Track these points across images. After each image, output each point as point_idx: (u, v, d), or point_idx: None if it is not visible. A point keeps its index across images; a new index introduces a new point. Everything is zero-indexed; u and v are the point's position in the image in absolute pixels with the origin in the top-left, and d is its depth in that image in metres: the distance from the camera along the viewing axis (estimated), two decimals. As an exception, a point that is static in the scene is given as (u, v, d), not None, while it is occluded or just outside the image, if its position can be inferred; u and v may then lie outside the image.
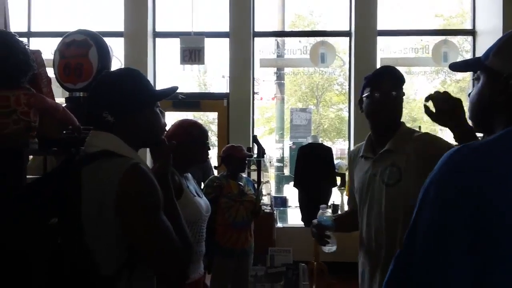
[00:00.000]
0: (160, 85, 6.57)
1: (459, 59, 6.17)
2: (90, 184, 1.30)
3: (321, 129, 10.44)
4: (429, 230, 0.98)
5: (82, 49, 3.34)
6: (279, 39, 7.27)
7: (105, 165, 1.33)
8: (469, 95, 1.23)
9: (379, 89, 2.02)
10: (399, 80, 2.05)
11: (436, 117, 1.68)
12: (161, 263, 1.33)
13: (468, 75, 6.88)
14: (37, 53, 2.34)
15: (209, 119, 7.41)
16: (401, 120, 2.10)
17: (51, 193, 1.32)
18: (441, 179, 1.00)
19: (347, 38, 6.39)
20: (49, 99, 2.28)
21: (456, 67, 1.29)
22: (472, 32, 6.44)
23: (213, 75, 6.71)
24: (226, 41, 6.38)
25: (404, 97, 2.08)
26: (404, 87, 2.08)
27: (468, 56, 6.47)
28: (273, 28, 6.82)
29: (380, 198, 2.00)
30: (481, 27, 6.35)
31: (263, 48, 6.76)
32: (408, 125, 2.16)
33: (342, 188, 6.10)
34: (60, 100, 4.12)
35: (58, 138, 2.42)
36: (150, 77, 6.46)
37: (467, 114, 1.38)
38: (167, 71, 6.74)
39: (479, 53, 6.07)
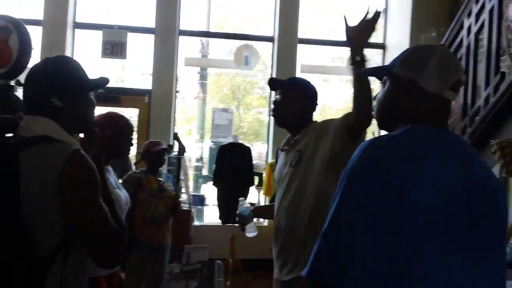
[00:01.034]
0: (79, 78, 6.39)
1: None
2: (30, 167, 1.33)
3: (240, 131, 10.62)
4: (352, 206, 1.16)
5: (2, 35, 3.22)
6: (204, 39, 7.35)
7: (47, 149, 1.37)
8: (374, 98, 1.42)
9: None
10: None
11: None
12: (98, 244, 1.39)
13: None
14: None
15: (128, 116, 7.30)
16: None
17: None
18: (361, 165, 1.18)
19: (271, 44, 6.60)
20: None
21: (367, 73, 1.49)
22: (382, 46, 6.91)
23: (133, 71, 6.62)
24: (149, 37, 6.35)
25: (317, 102, 2.40)
26: (321, 94, 2.42)
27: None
28: (198, 28, 6.86)
29: (287, 179, 2.30)
30: (391, 41, 6.84)
31: (187, 47, 6.81)
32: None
33: (260, 187, 6.28)
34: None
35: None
36: (69, 69, 6.25)
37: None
38: (86, 64, 6.55)
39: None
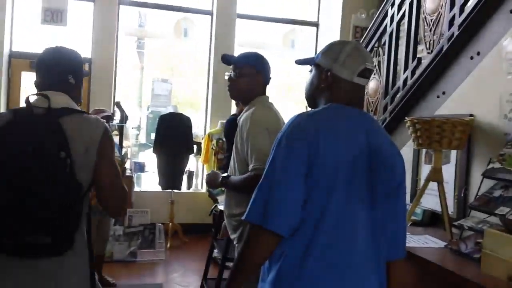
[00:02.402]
0: (17, 46, 6.35)
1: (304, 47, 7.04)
2: (74, 131, 1.70)
3: (176, 101, 10.75)
4: (281, 164, 1.49)
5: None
6: (142, 10, 7.41)
7: (85, 119, 1.78)
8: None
9: None
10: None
11: None
12: (114, 195, 1.81)
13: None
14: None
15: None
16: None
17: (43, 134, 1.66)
18: (290, 133, 1.52)
19: (209, 17, 6.83)
20: None
21: (300, 62, 1.86)
22: (316, 24, 7.37)
23: (73, 39, 6.60)
24: (89, 5, 6.37)
25: (269, 77, 2.65)
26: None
27: (311, 44, 7.39)
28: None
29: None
30: (324, 20, 7.31)
31: (127, 17, 6.88)
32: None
33: (198, 155, 6.58)
34: None
35: None
36: (7, 36, 6.18)
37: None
38: (26, 30, 6.48)
39: (320, 42, 6.99)
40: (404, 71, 3.93)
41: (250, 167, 2.34)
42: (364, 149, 1.53)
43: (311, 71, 1.73)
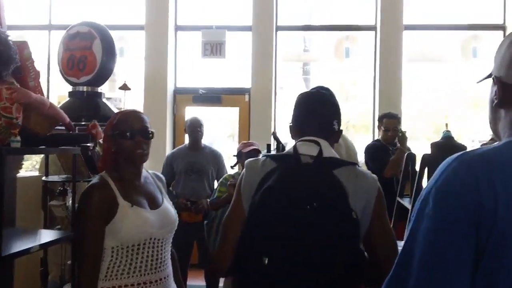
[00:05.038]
0: (181, 79, 6.52)
1: (489, 55, 5.83)
2: (350, 185, 1.52)
3: (350, 125, 10.19)
4: (429, 250, 0.93)
5: (86, 42, 3.25)
6: (305, 32, 7.06)
7: (358, 172, 1.60)
8: None
9: None
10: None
11: None
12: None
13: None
14: (23, 45, 2.23)
15: (229, 115, 7.28)
16: None
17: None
18: (441, 193, 0.95)
19: (373, 32, 6.13)
20: (34, 94, 2.17)
21: (481, 80, 1.22)
22: (502, 27, 6.07)
23: (232, 70, 6.56)
24: (247, 35, 6.23)
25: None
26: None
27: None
28: (297, 22, 6.59)
29: None
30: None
31: (287, 42, 6.58)
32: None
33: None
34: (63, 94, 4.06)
35: (46, 135, 2.31)
36: (171, 71, 6.37)
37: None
38: (189, 64, 6.63)
39: None
40: None
41: None
42: None
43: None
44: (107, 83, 6.49)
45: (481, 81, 1.20)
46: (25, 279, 2.95)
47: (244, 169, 1.69)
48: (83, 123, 2.63)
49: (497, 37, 6.13)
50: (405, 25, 5.96)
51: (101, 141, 2.41)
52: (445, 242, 0.91)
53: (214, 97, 6.32)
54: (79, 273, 1.82)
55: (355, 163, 1.63)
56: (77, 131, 2.75)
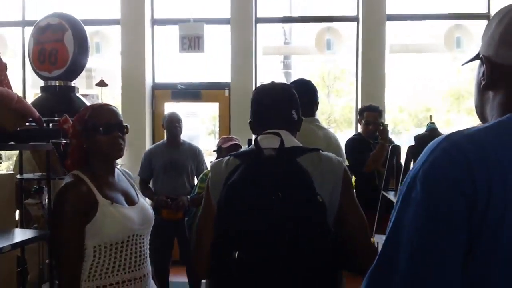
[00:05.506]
0: (159, 74, 6.37)
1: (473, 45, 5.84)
2: (315, 171, 1.55)
3: (332, 119, 10.14)
4: (417, 235, 0.85)
5: (57, 34, 3.09)
6: (286, 25, 6.96)
7: (322, 157, 1.63)
8: None
9: None
10: None
11: None
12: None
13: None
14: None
15: (209, 110, 7.17)
16: None
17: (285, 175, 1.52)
18: (429, 174, 0.87)
19: (355, 23, 6.05)
20: (0, 87, 2.04)
21: (466, 62, 1.16)
22: (487, 16, 6.06)
23: (211, 64, 6.44)
24: (225, 28, 6.10)
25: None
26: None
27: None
28: (277, 14, 6.48)
29: None
30: (495, 11, 5.96)
31: (266, 35, 6.48)
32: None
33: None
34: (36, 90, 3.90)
35: (14, 130, 2.17)
36: (149, 66, 6.22)
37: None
38: (167, 59, 6.49)
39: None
40: None
41: None
42: None
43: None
44: (84, 80, 6.36)
45: (466, 63, 1.15)
46: (1, 280, 2.82)
47: (210, 171, 1.74)
48: (55, 118, 2.49)
49: (482, 26, 6.11)
50: (388, 15, 5.88)
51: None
52: (436, 228, 0.84)
53: (193, 93, 6.19)
54: (60, 277, 1.73)
55: (318, 149, 1.66)
56: (50, 126, 2.62)
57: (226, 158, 1.70)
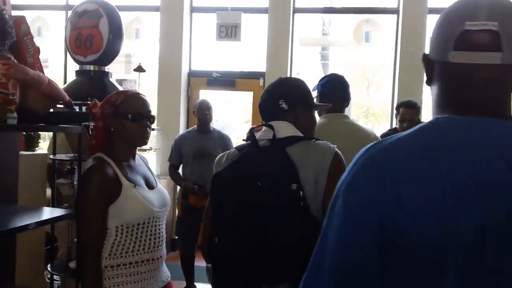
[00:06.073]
0: (195, 62, 6.43)
1: None
2: (301, 159, 1.59)
3: (370, 112, 10.02)
4: (338, 247, 0.86)
5: (93, 20, 3.17)
6: (325, 16, 6.90)
7: (312, 147, 1.66)
8: None
9: None
10: None
11: None
12: None
13: None
14: (20, 20, 2.15)
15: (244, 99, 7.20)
16: None
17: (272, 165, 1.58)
18: (348, 184, 0.89)
19: (395, 16, 5.93)
20: (32, 71, 2.10)
21: None
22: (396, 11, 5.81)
23: (247, 53, 6.46)
24: (263, 17, 6.09)
25: None
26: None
27: None
28: (316, 5, 6.42)
29: None
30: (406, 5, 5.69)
31: (304, 26, 6.43)
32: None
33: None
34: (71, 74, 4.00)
35: (45, 113, 2.25)
36: (185, 53, 6.29)
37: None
38: (204, 47, 6.54)
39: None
40: None
41: None
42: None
43: None
44: (122, 65, 6.51)
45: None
46: (29, 256, 2.96)
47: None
48: (88, 102, 2.57)
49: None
50: (430, 8, 5.72)
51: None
52: (354, 242, 0.85)
53: (228, 81, 6.23)
54: (83, 257, 1.80)
55: (310, 138, 1.70)
56: (83, 110, 2.70)
57: (230, 151, 1.82)
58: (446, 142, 0.85)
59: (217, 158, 1.85)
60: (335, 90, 2.66)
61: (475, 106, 0.89)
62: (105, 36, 3.10)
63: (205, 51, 6.54)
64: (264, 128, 1.73)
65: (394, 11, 5.94)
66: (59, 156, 3.04)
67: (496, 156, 0.81)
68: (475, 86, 0.89)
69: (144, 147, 5.40)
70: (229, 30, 6.00)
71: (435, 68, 0.95)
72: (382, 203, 0.83)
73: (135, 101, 1.92)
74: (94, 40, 3.10)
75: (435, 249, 0.80)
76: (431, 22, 5.75)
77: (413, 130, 0.91)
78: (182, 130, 6.10)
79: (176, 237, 4.73)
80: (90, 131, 2.62)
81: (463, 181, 0.80)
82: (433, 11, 5.73)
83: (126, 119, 1.88)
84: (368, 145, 0.91)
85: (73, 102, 2.30)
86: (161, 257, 1.96)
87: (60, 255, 3.39)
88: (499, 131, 0.85)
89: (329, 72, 7.05)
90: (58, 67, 6.22)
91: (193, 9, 6.38)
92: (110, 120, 1.92)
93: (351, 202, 0.87)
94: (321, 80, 2.75)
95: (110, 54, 3.19)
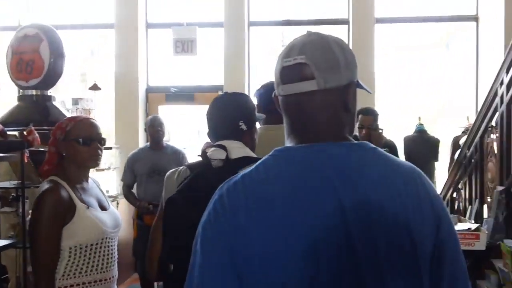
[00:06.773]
0: (153, 77, 6.42)
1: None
2: None
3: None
4: (199, 284, 0.91)
5: (33, 44, 3.15)
6: (285, 28, 6.95)
7: None
8: None
9: None
10: None
11: None
12: None
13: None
14: None
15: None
16: None
17: None
18: (203, 222, 0.95)
19: (346, 26, 6.06)
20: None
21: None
22: (475, 18, 6.03)
23: (205, 67, 6.47)
24: (219, 31, 6.14)
25: None
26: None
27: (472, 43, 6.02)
28: (270, 18, 6.49)
29: None
30: (484, 13, 5.93)
31: (262, 38, 6.50)
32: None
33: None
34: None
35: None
36: (143, 69, 6.28)
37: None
38: (161, 63, 6.54)
39: (482, 39, 5.63)
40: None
41: None
42: (339, 218, 0.88)
43: None
44: (77, 84, 6.44)
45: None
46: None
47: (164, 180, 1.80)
48: (21, 128, 2.56)
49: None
50: (377, 18, 5.88)
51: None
52: (210, 275, 0.90)
53: (187, 96, 6.24)
54: (38, 278, 1.85)
55: (255, 159, 1.66)
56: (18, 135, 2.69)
57: (180, 168, 1.78)
58: (279, 172, 0.92)
59: (167, 174, 1.82)
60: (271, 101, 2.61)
61: (311, 133, 0.96)
62: (46, 60, 3.09)
63: (163, 67, 6.53)
64: (216, 147, 1.66)
65: (345, 21, 6.06)
66: (3, 184, 3.00)
67: (324, 179, 0.89)
68: (307, 114, 0.96)
69: (102, 166, 5.37)
70: (185, 45, 6.02)
71: (279, 102, 1.02)
72: (230, 233, 0.89)
73: (85, 126, 2.01)
74: (35, 65, 3.09)
75: (279, 271, 0.86)
76: (379, 31, 5.90)
77: (258, 164, 0.98)
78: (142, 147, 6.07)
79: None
80: (25, 158, 2.61)
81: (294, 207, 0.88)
82: (380, 20, 5.88)
83: (77, 143, 1.96)
84: (226, 181, 0.97)
85: (6, 130, 2.29)
86: (113, 277, 2.02)
87: (10, 286, 3.34)
88: (328, 155, 0.92)
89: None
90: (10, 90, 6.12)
91: (148, 25, 6.38)
92: (62, 145, 2.00)
93: (206, 241, 0.92)
94: (259, 89, 2.69)
95: (52, 77, 3.18)
